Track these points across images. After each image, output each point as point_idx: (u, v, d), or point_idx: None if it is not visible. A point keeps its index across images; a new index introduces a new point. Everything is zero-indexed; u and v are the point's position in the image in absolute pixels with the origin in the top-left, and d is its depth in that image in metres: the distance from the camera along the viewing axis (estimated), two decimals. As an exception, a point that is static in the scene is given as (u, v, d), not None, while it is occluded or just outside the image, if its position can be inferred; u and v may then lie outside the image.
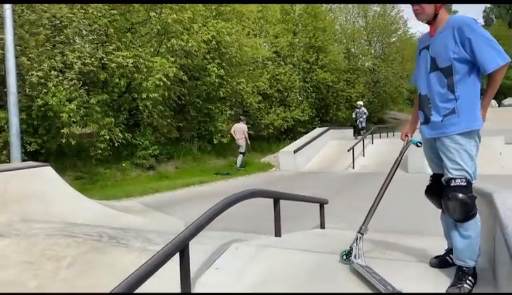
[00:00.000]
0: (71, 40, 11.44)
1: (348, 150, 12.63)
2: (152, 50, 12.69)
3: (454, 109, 2.65)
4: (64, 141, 10.52)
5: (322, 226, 5.77)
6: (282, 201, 4.43)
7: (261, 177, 12.56)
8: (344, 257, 3.01)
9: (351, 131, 18.98)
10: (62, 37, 10.76)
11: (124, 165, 12.46)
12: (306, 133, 18.03)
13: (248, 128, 16.86)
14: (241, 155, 14.17)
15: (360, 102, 18.43)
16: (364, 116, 17.78)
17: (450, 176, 2.63)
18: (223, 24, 14.27)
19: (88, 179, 11.51)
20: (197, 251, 3.25)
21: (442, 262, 2.89)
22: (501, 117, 22.41)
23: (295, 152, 13.44)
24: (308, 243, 4.12)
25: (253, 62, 17.24)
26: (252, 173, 13.40)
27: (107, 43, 11.65)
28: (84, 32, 11.50)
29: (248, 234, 5.45)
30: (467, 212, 2.56)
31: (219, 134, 15.02)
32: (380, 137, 15.59)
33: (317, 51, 20.83)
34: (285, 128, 19.10)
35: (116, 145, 12.01)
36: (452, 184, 2.62)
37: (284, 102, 20.10)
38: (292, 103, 20.11)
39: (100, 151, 11.49)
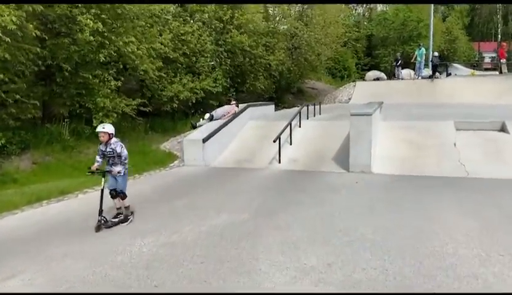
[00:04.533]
0: None
1: (274, 141, 9.62)
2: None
3: None
4: None
5: None
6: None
7: (155, 179, 9.05)
8: None
9: (272, 107, 16.07)
10: None
11: None
12: (219, 106, 14.70)
13: (144, 103, 13.09)
14: None
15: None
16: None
17: None
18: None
19: None
20: None
21: None
22: (421, 90, 21.22)
23: (204, 141, 10.08)
24: None
25: (149, 17, 13.17)
26: (146, 169, 9.81)
27: None
28: None
29: None
30: None
31: (100, 113, 11.00)
32: (307, 117, 12.83)
33: (232, 8, 17.22)
34: (194, 101, 15.49)
35: None
36: None
37: (192, 69, 16.37)
38: (202, 71, 16.47)
39: None
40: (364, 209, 6.34)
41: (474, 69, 35.93)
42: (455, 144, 9.60)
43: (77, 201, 7.32)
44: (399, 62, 25.14)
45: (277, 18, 20.95)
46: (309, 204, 6.57)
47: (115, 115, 11.19)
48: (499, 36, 49.83)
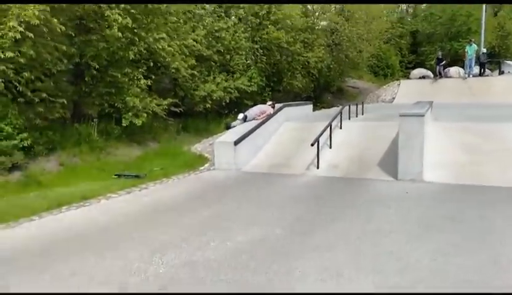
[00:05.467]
0: None
1: (312, 144, 8.76)
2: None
3: None
4: None
5: None
6: None
7: (183, 184, 8.42)
8: None
9: (310, 107, 15.15)
10: None
11: (-39, 167, 7.86)
12: (254, 105, 13.98)
13: (176, 103, 12.58)
14: None
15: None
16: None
17: None
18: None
19: None
20: None
21: None
22: (472, 89, 19.61)
23: (236, 143, 9.37)
24: None
25: (183, 13, 12.66)
26: (175, 173, 9.23)
27: None
28: None
29: None
30: None
31: (130, 113, 10.56)
32: (349, 118, 11.85)
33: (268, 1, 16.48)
34: (227, 101, 14.88)
35: None
36: None
37: (227, 67, 15.78)
38: (237, 69, 15.84)
39: None
40: (417, 227, 5.38)
41: (529, 66, 33.30)
42: (523, 149, 8.36)
43: (98, 208, 6.78)
44: (443, 62, 23.04)
45: (317, 14, 19.96)
46: (353, 219, 5.69)
47: (145, 115, 10.72)
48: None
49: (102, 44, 9.76)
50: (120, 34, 9.52)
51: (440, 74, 22.49)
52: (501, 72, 25.27)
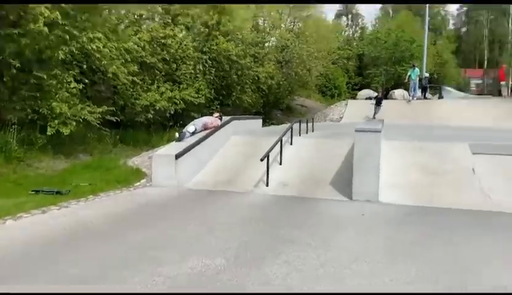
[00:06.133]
0: None
1: (262, 160, 8.01)
2: None
3: None
4: None
5: None
6: None
7: (114, 202, 7.28)
8: None
9: (259, 121, 14.49)
10: None
11: None
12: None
13: (113, 112, 11.39)
14: None
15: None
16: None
17: None
18: None
19: None
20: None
21: None
22: (417, 111, 20.04)
23: (177, 157, 8.40)
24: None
25: (125, 15, 11.61)
26: (104, 189, 8.04)
27: None
28: None
29: None
30: None
31: (56, 120, 9.27)
32: (300, 134, 11.28)
33: (219, 12, 15.78)
34: (172, 112, 13.86)
35: None
36: None
37: (173, 76, 14.80)
38: (184, 79, 14.90)
39: None
40: (381, 254, 4.72)
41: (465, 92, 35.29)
42: (473, 170, 8.14)
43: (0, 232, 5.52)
44: (382, 103, 19.83)
45: (268, 29, 19.59)
46: (307, 246, 4.93)
47: (74, 123, 9.46)
48: (485, 63, 50.10)
49: (24, 40, 8.46)
50: (45, 29, 8.30)
51: (375, 115, 19.26)
52: (440, 97, 26.34)
